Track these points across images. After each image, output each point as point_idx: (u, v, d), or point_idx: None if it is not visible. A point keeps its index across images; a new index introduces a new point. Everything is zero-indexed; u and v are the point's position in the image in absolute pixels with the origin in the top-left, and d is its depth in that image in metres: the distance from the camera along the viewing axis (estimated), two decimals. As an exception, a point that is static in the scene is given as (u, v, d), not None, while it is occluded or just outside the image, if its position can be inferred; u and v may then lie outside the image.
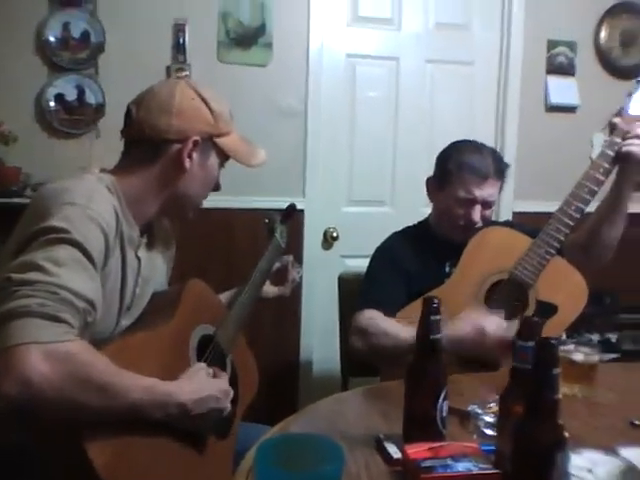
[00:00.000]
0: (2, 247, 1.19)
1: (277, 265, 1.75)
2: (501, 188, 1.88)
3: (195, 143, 1.32)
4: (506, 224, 1.97)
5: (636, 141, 1.68)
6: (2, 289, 1.02)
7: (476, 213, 1.80)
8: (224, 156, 1.41)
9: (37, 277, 1.03)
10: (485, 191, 1.80)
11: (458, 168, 1.81)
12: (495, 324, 1.58)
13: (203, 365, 1.27)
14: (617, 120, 1.73)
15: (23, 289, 1.01)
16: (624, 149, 1.68)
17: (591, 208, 1.76)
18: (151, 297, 1.41)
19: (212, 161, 1.39)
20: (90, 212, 1.15)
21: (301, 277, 1.88)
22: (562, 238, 1.69)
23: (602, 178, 1.69)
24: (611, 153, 1.70)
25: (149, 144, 1.32)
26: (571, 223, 1.69)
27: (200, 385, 1.20)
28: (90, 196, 1.18)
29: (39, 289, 1.01)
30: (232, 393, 1.28)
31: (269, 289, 1.76)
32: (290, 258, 1.77)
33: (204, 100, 1.34)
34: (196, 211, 1.44)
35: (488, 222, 1.89)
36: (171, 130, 1.30)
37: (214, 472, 1.27)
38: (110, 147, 2.48)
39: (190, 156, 1.32)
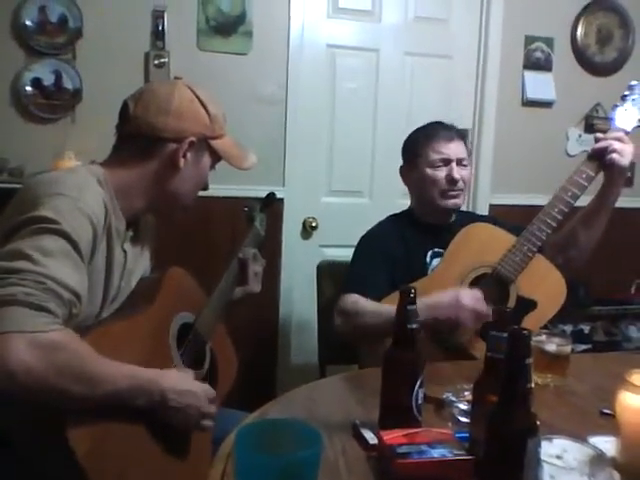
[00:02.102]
0: None
1: (236, 261, 1.64)
2: (469, 153, 2.00)
3: (191, 144, 1.34)
4: (490, 220, 2.02)
5: (617, 146, 1.72)
6: None
7: (455, 171, 1.89)
8: (216, 158, 1.44)
9: (25, 266, 1.03)
10: (455, 149, 1.91)
11: (425, 138, 1.94)
12: (470, 294, 1.63)
13: (191, 370, 1.28)
14: (600, 135, 1.79)
15: (10, 277, 1.01)
16: (607, 157, 1.73)
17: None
18: None
19: (205, 162, 1.41)
20: (80, 204, 1.15)
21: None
22: (544, 237, 1.75)
23: (585, 184, 1.75)
24: (594, 161, 1.76)
25: (144, 141, 1.33)
26: (553, 224, 1.75)
27: (185, 379, 1.21)
28: (81, 188, 1.18)
29: (26, 278, 1.02)
30: (214, 409, 1.28)
31: (236, 290, 1.66)
32: (251, 252, 1.67)
33: (202, 102, 1.36)
34: (183, 210, 1.46)
35: (477, 218, 1.98)
36: (168, 129, 1.32)
37: (193, 458, 1.28)
38: (86, 132, 2.51)
39: (185, 156, 1.34)
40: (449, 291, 1.65)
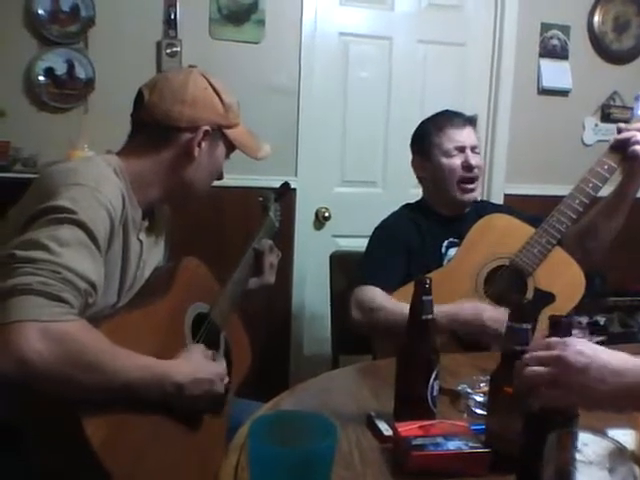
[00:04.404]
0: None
1: (251, 251, 1.64)
2: (478, 139, 1.98)
3: (205, 133, 1.34)
4: (506, 209, 2.00)
5: None
6: (5, 265, 1.01)
7: (470, 157, 1.88)
8: (231, 147, 1.43)
9: (41, 256, 1.02)
10: (468, 137, 1.90)
11: (437, 128, 1.92)
12: (495, 313, 1.60)
13: (202, 347, 1.27)
14: (622, 125, 1.75)
15: (26, 266, 1.01)
16: (630, 149, 1.69)
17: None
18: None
19: (219, 151, 1.41)
20: (98, 194, 1.15)
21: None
22: (563, 230, 1.72)
23: (607, 175, 1.72)
24: (616, 152, 1.72)
25: (159, 130, 1.32)
26: (574, 216, 1.72)
27: (197, 366, 1.20)
28: (98, 178, 1.18)
29: (42, 268, 1.01)
30: (227, 379, 1.29)
31: (251, 281, 1.67)
32: (267, 243, 1.67)
33: (216, 91, 1.36)
34: (198, 200, 1.45)
35: (492, 207, 1.99)
36: (183, 118, 1.31)
37: (208, 448, 1.27)
38: (99, 122, 2.50)
39: (199, 145, 1.34)
40: (473, 304, 1.63)
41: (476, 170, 1.89)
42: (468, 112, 2.01)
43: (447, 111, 1.98)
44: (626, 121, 1.79)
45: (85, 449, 1.00)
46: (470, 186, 1.89)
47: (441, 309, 1.47)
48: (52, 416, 1.06)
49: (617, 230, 1.83)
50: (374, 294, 1.76)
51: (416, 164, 2.00)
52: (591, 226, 1.83)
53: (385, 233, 1.94)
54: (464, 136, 1.89)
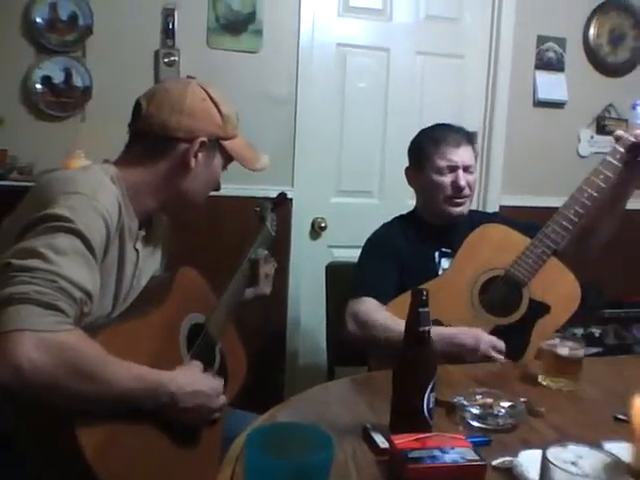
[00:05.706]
0: None
1: (247, 262, 1.65)
2: (476, 156, 1.96)
3: (202, 144, 1.34)
4: (499, 218, 1.99)
5: None
6: (1, 273, 1.01)
7: (460, 178, 1.86)
8: (228, 158, 1.43)
9: (37, 264, 1.02)
10: (462, 155, 1.87)
11: (433, 143, 1.89)
12: (491, 338, 1.62)
13: (199, 363, 1.27)
14: (620, 133, 1.72)
15: (22, 275, 1.00)
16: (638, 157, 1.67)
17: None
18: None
19: (216, 162, 1.41)
20: (95, 203, 1.15)
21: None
22: (559, 240, 1.71)
23: (603, 185, 1.70)
24: (614, 162, 1.70)
25: (156, 140, 1.33)
26: (569, 226, 1.71)
27: (194, 379, 1.21)
28: (96, 187, 1.18)
29: (38, 276, 1.01)
30: (224, 399, 1.29)
31: (247, 291, 1.68)
32: (263, 253, 1.68)
33: (214, 102, 1.36)
34: (195, 210, 1.45)
35: (485, 217, 1.98)
36: (180, 129, 1.31)
37: (202, 459, 1.27)
38: (96, 130, 2.50)
39: (196, 156, 1.34)
40: (471, 330, 1.64)
41: (466, 190, 1.87)
42: (465, 123, 2.01)
43: (446, 125, 1.95)
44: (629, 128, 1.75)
45: (78, 458, 1.00)
46: (458, 200, 1.88)
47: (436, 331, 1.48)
48: (46, 425, 1.05)
49: (612, 228, 1.81)
50: (369, 306, 1.75)
51: (410, 174, 1.99)
52: (587, 227, 1.80)
53: (376, 244, 1.94)
54: (458, 155, 1.86)
